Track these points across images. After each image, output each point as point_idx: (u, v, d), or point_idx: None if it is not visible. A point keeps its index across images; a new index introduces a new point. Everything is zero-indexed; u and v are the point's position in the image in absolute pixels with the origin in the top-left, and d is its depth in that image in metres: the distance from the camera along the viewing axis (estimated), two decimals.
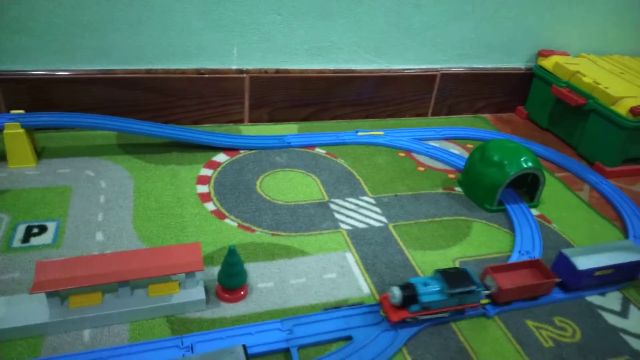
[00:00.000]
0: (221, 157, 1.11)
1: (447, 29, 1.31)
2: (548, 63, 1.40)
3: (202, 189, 1.00)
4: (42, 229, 0.84)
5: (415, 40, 1.31)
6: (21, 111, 0.99)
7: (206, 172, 1.05)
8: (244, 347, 0.61)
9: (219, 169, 1.07)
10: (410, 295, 0.72)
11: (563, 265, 0.84)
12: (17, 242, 0.81)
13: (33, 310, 0.67)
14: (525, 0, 1.34)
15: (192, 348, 0.66)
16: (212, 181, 1.02)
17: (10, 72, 1.05)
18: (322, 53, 1.24)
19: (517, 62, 1.45)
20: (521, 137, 1.35)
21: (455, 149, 1.26)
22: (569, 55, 1.44)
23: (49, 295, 0.66)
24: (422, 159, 1.20)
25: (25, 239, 0.82)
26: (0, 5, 0.98)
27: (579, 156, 1.32)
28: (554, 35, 1.44)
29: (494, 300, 0.79)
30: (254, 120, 1.27)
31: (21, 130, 0.96)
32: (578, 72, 1.31)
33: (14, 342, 0.65)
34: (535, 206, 1.07)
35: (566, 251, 0.84)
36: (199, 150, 1.11)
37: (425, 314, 0.73)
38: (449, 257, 0.90)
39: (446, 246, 0.93)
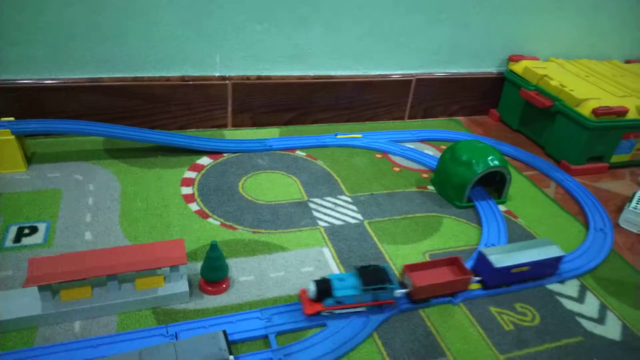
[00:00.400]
0: (205, 160, 1.16)
1: (422, 35, 1.38)
2: (518, 67, 1.47)
3: (187, 190, 1.05)
4: (33, 230, 0.89)
5: (392, 47, 1.37)
6: (11, 118, 1.03)
7: (190, 174, 1.10)
8: (224, 332, 0.66)
9: (202, 171, 1.12)
10: (324, 289, 0.76)
11: (482, 263, 0.87)
12: (9, 242, 0.85)
13: (26, 303, 0.71)
14: (497, 7, 1.41)
15: (176, 336, 0.71)
16: (196, 183, 1.07)
17: (2, 81, 1.09)
18: (302, 60, 1.30)
19: (489, 67, 1.52)
20: (493, 138, 1.42)
21: (429, 150, 1.32)
22: (538, 59, 1.51)
23: (41, 288, 0.71)
24: (397, 159, 1.26)
25: (17, 239, 0.86)
26: None
27: (546, 155, 1.39)
28: (524, 41, 1.51)
29: (411, 297, 0.82)
30: (237, 124, 1.33)
31: (11, 137, 1.00)
32: (546, 75, 1.38)
33: (9, 333, 0.70)
34: (502, 202, 1.14)
35: (484, 250, 0.87)
36: (183, 154, 1.16)
37: (340, 308, 0.77)
38: (420, 250, 0.96)
39: (417, 240, 0.99)
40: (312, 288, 0.76)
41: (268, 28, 1.23)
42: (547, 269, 0.90)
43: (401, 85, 1.43)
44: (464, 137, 1.40)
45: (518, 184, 1.22)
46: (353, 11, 1.27)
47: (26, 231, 0.88)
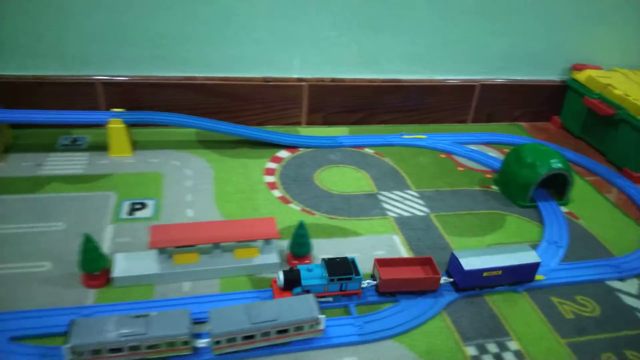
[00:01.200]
0: (283, 154, 1.27)
1: (487, 43, 1.45)
2: (581, 76, 1.51)
3: (270, 178, 1.16)
4: (143, 205, 1.02)
5: (457, 53, 1.44)
6: (121, 109, 1.19)
7: (272, 165, 1.22)
8: (313, 295, 0.76)
9: (282, 162, 1.23)
10: (292, 279, 0.80)
11: (454, 265, 0.88)
12: (124, 215, 0.99)
13: (146, 264, 0.84)
14: (560, 17, 1.45)
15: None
16: (278, 173, 1.19)
17: (111, 77, 1.25)
18: (373, 64, 1.40)
19: (551, 75, 1.56)
20: (554, 144, 1.47)
21: (492, 153, 1.38)
22: (602, 69, 1.54)
23: (160, 251, 0.84)
24: (461, 160, 1.33)
25: (130, 212, 1.00)
26: (108, 20, 1.18)
27: (608, 162, 1.42)
28: (587, 50, 1.54)
29: (377, 289, 0.85)
30: (310, 123, 1.44)
31: (122, 126, 1.15)
32: (610, 84, 1.41)
33: (133, 287, 0.83)
34: (564, 204, 1.19)
35: (457, 252, 0.88)
36: (264, 147, 1.28)
37: None
38: (484, 243, 1.03)
39: (482, 234, 1.06)
40: (280, 277, 0.80)
41: (343, 34, 1.33)
42: (522, 275, 0.90)
43: (466, 90, 1.50)
44: (527, 142, 1.45)
45: (579, 188, 1.26)
46: (422, 20, 1.36)
47: (137, 206, 1.02)
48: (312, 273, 0.82)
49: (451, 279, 0.89)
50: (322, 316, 0.74)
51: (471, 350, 0.79)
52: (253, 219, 0.90)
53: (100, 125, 1.26)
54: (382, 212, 1.09)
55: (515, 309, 0.88)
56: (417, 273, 0.87)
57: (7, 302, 0.78)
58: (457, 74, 1.48)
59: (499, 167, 1.26)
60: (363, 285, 0.84)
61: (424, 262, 0.89)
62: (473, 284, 0.88)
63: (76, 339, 0.66)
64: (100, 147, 1.20)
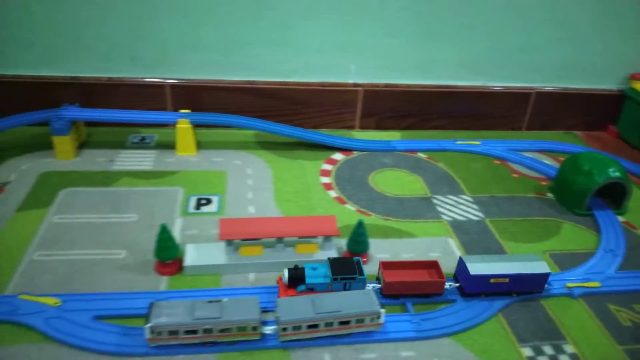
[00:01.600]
0: (338, 156, 1.31)
1: (543, 51, 1.44)
2: None
3: (325, 180, 1.21)
4: (209, 201, 1.08)
5: (513, 61, 1.45)
6: (188, 110, 1.26)
7: (327, 166, 1.26)
8: (375, 291, 0.79)
9: (337, 165, 1.27)
10: (296, 277, 0.82)
11: (461, 270, 0.88)
12: (192, 209, 1.05)
13: (215, 255, 0.90)
14: (617, 26, 1.43)
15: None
16: (333, 174, 1.23)
17: (178, 80, 1.32)
18: (427, 70, 1.42)
19: (609, 84, 1.54)
20: (610, 154, 1.44)
21: (547, 161, 1.38)
22: None
23: (228, 243, 0.89)
24: (516, 167, 1.33)
25: (197, 207, 1.06)
26: (178, 28, 1.26)
27: None
28: None
29: (381, 292, 0.85)
30: (363, 127, 1.47)
31: (189, 126, 1.22)
32: None
33: (202, 276, 0.88)
34: (621, 214, 1.17)
35: (465, 257, 0.88)
36: (320, 149, 1.32)
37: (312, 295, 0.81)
38: (540, 250, 1.04)
39: (538, 241, 1.06)
40: (285, 275, 0.82)
41: (400, 41, 1.36)
42: (531, 285, 0.88)
43: (521, 97, 1.50)
44: (582, 150, 1.43)
45: (637, 198, 1.24)
46: (478, 27, 1.37)
47: (203, 201, 1.08)
48: (316, 272, 0.83)
49: (458, 284, 0.89)
50: (382, 310, 0.77)
51: (527, 351, 0.80)
52: (314, 217, 0.95)
53: (167, 125, 1.34)
54: (437, 215, 1.11)
55: (570, 314, 0.88)
56: (421, 276, 0.88)
57: (90, 285, 0.85)
58: (512, 82, 1.48)
59: (554, 175, 1.25)
60: (368, 287, 0.85)
61: (430, 265, 0.90)
62: (479, 290, 0.87)
63: (156, 320, 0.71)
64: (167, 145, 1.28)
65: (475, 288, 0.87)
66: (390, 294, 0.86)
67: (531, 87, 1.50)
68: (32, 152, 1.20)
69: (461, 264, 0.88)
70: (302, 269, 0.83)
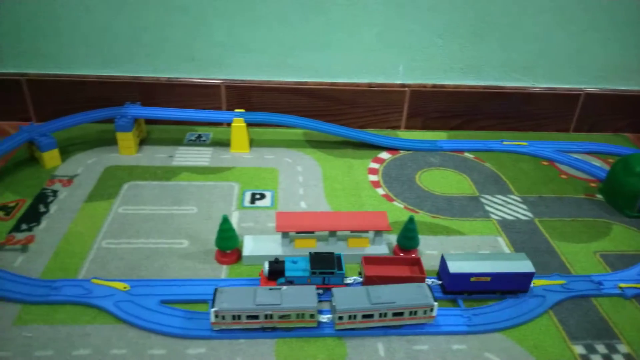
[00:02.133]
0: (385, 155, 1.34)
1: (593, 52, 1.43)
2: None
3: (373, 178, 1.23)
4: (262, 196, 1.13)
5: (562, 62, 1.44)
6: (242, 110, 1.31)
7: (374, 165, 1.29)
8: (429, 286, 0.82)
9: (384, 163, 1.30)
10: (277, 269, 0.84)
11: (443, 267, 0.88)
12: (247, 203, 1.10)
13: (270, 246, 0.94)
14: None
15: None
16: (380, 172, 1.25)
17: (232, 80, 1.38)
18: (475, 71, 1.43)
19: None
20: None
21: (596, 162, 1.36)
22: None
23: (283, 235, 0.93)
24: (564, 168, 1.33)
25: (252, 201, 1.11)
26: (233, 30, 1.31)
27: None
28: None
29: (363, 285, 0.85)
30: (409, 127, 1.49)
31: (243, 124, 1.27)
32: None
33: (259, 266, 0.92)
34: None
35: (447, 255, 0.88)
36: (366, 148, 1.35)
37: None
38: (590, 250, 1.03)
39: (588, 241, 1.06)
40: (265, 267, 0.84)
41: (447, 42, 1.38)
42: (515, 284, 0.87)
43: (569, 98, 1.48)
44: (632, 152, 1.41)
45: None
46: (527, 28, 1.37)
47: (257, 196, 1.12)
48: (296, 265, 0.85)
49: (440, 282, 0.89)
50: (435, 304, 0.79)
51: (579, 349, 0.81)
52: (366, 212, 0.98)
53: (221, 123, 1.40)
54: (485, 215, 1.12)
55: (623, 314, 0.88)
56: (402, 272, 0.88)
57: (155, 271, 0.91)
58: (560, 83, 1.47)
59: (604, 176, 1.24)
60: (349, 282, 0.87)
61: (413, 262, 0.89)
62: (461, 288, 0.87)
63: (220, 304, 0.76)
64: (221, 143, 1.33)
65: (456, 286, 0.87)
66: None
67: (580, 88, 1.48)
68: (97, 148, 1.27)
69: (443, 261, 0.88)
70: (282, 262, 0.85)
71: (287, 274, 0.84)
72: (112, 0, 1.25)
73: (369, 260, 0.88)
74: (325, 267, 0.84)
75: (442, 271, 0.89)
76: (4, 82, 1.33)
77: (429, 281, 0.87)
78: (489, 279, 0.86)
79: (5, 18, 1.26)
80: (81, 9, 1.26)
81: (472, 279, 0.86)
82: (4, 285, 0.84)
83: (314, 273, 0.84)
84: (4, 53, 1.30)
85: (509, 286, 0.87)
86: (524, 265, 0.87)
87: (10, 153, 1.19)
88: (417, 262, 0.89)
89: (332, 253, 0.87)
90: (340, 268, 0.85)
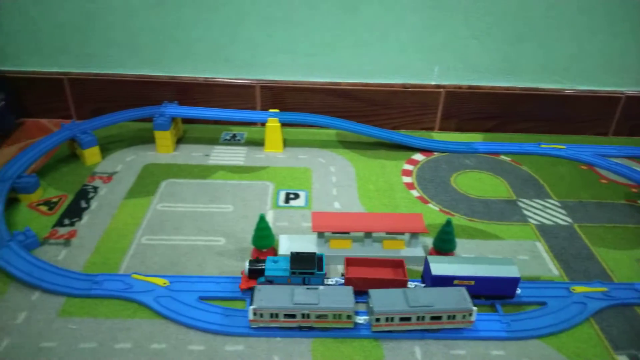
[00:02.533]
0: (419, 157, 1.33)
1: (632, 55, 1.39)
2: None
3: (407, 179, 1.22)
4: (296, 196, 1.13)
5: (601, 64, 1.40)
6: (276, 110, 1.32)
7: (408, 166, 1.28)
8: (466, 288, 0.81)
9: (418, 165, 1.29)
10: (256, 268, 0.84)
11: (426, 269, 0.86)
12: (281, 202, 1.11)
13: (306, 245, 0.94)
14: None
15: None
16: (414, 174, 1.25)
17: (267, 81, 1.39)
18: (512, 72, 1.40)
19: None
20: None
21: (637, 167, 1.32)
22: None
23: (319, 235, 0.93)
24: (604, 172, 1.29)
25: (286, 200, 1.11)
26: (270, 32, 1.32)
27: None
28: None
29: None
30: (443, 128, 1.48)
31: (278, 124, 1.28)
32: None
33: None
34: None
35: (431, 257, 0.87)
36: (400, 150, 1.35)
37: None
38: (633, 257, 1.00)
39: (629, 248, 1.03)
40: (246, 266, 0.84)
41: (484, 43, 1.36)
42: (500, 289, 0.85)
43: (609, 101, 1.45)
44: None
45: None
46: (566, 30, 1.34)
47: (292, 196, 1.13)
48: (277, 265, 0.84)
49: (423, 284, 0.87)
50: (474, 308, 0.78)
51: (623, 359, 0.79)
52: (402, 214, 0.97)
53: (255, 123, 1.41)
54: (523, 219, 1.10)
55: None
56: (384, 274, 0.86)
57: (194, 268, 0.92)
58: (600, 85, 1.43)
59: None
60: (330, 283, 0.86)
61: (396, 264, 0.88)
62: None
63: (259, 302, 0.77)
64: (255, 142, 1.35)
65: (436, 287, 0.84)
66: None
67: (620, 91, 1.44)
68: (135, 146, 1.30)
69: (426, 263, 0.87)
70: (263, 262, 0.85)
71: (267, 273, 0.84)
72: (151, 2, 1.27)
73: (352, 261, 0.87)
74: (305, 267, 0.83)
75: (425, 273, 0.87)
76: (47, 81, 1.37)
77: (412, 284, 0.86)
78: (472, 282, 0.84)
79: (49, 19, 1.30)
80: (122, 10, 1.29)
81: (456, 282, 0.84)
82: (50, 278, 0.87)
83: (293, 273, 0.83)
84: (48, 53, 1.34)
85: (494, 291, 0.85)
86: (509, 270, 0.85)
87: (53, 150, 1.23)
88: (400, 265, 0.88)
89: (314, 253, 0.86)
90: (320, 269, 0.84)
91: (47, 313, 0.82)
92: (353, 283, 0.83)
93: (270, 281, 0.84)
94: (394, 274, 0.87)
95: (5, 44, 1.33)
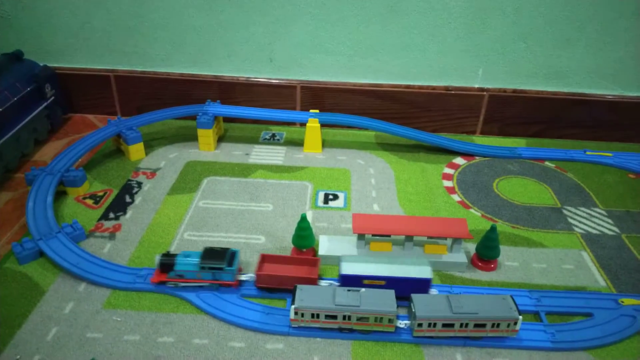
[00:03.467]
0: (460, 161, 1.31)
1: None
2: None
3: (448, 183, 1.21)
4: (335, 197, 1.13)
5: None
6: (317, 110, 1.32)
7: (449, 170, 1.26)
8: (512, 297, 0.79)
9: (459, 169, 1.27)
10: (167, 262, 0.84)
11: (339, 269, 0.85)
12: (320, 203, 1.11)
13: (346, 247, 0.94)
14: None
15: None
16: (455, 178, 1.23)
17: (307, 81, 1.39)
18: (559, 77, 1.37)
19: None
20: None
21: None
22: None
23: (359, 237, 0.92)
24: None
25: (325, 201, 1.11)
26: (310, 32, 1.32)
27: None
28: None
29: (255, 283, 0.86)
30: (485, 132, 1.45)
31: (318, 125, 1.28)
32: None
33: (334, 267, 0.93)
34: None
35: (344, 256, 0.86)
36: (440, 153, 1.33)
37: (182, 282, 0.85)
38: None
39: None
40: (156, 259, 0.85)
41: (531, 46, 1.33)
42: (412, 290, 0.82)
43: None
44: None
45: None
46: (617, 33, 1.29)
47: (331, 197, 1.13)
48: (187, 259, 0.85)
49: (338, 284, 0.85)
50: (520, 317, 0.76)
51: None
52: (445, 218, 0.95)
53: (295, 123, 1.42)
54: (568, 227, 1.07)
55: None
56: (296, 272, 0.86)
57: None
58: None
59: None
60: (243, 278, 0.86)
61: (311, 263, 0.88)
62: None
63: (301, 302, 0.77)
64: (294, 142, 1.35)
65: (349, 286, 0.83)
66: (263, 287, 0.86)
67: None
68: (177, 143, 1.32)
69: (339, 263, 0.86)
70: (174, 256, 0.85)
71: (177, 267, 0.84)
72: (197, 2, 1.29)
73: (267, 257, 0.88)
74: (215, 263, 0.83)
75: (339, 272, 0.86)
76: (95, 78, 1.41)
77: (325, 283, 0.87)
78: (383, 282, 0.84)
79: (98, 18, 1.33)
80: (168, 10, 1.31)
81: (365, 282, 0.84)
82: (96, 270, 0.89)
83: (202, 268, 0.84)
84: (97, 50, 1.38)
85: (406, 291, 0.82)
86: (422, 272, 0.85)
87: (99, 145, 1.26)
88: (315, 264, 0.87)
89: (228, 249, 0.86)
90: (231, 264, 0.84)
91: (93, 304, 0.84)
92: (264, 280, 0.85)
93: (180, 275, 0.85)
94: (306, 272, 0.87)
95: (56, 41, 1.38)
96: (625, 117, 1.41)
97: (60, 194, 1.10)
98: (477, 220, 1.08)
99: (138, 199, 1.11)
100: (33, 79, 1.26)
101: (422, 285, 0.84)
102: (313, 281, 0.84)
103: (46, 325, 0.80)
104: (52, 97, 1.33)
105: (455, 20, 1.29)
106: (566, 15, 1.27)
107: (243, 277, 0.88)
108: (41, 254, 0.93)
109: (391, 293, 0.78)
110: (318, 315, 0.77)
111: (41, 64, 1.33)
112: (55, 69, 1.38)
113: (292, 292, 0.79)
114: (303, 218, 0.90)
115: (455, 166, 1.28)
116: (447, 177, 1.23)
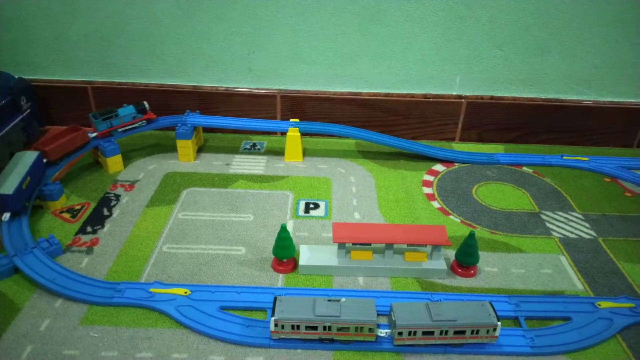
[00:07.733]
0: (439, 167, 1.32)
1: None
2: None
3: (428, 190, 1.21)
4: (316, 206, 1.13)
5: (626, 76, 1.38)
6: (297, 119, 1.32)
7: (428, 177, 1.27)
8: (490, 303, 0.79)
9: (438, 176, 1.28)
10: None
11: None
12: (301, 212, 1.11)
13: (327, 256, 0.94)
14: None
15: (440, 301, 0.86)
16: (435, 185, 1.24)
17: (287, 91, 1.39)
18: (535, 83, 1.39)
19: None
20: None
21: None
22: None
23: (340, 246, 0.92)
24: (629, 185, 1.27)
25: (306, 210, 1.11)
26: (290, 43, 1.33)
27: None
28: None
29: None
30: (464, 139, 1.46)
31: (298, 134, 1.28)
32: None
33: (315, 276, 0.92)
34: None
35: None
36: (420, 160, 1.34)
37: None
38: None
39: None
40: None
41: (507, 53, 1.35)
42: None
43: (634, 113, 1.42)
44: None
45: None
46: (591, 40, 1.32)
47: (311, 206, 1.13)
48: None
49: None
50: (498, 323, 0.76)
51: None
52: (424, 225, 0.96)
53: (275, 132, 1.42)
54: (546, 232, 1.08)
55: None
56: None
57: (214, 277, 0.92)
58: (625, 97, 1.41)
59: None
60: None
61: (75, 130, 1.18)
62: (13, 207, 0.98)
63: (281, 314, 0.76)
64: (274, 152, 1.35)
65: (15, 204, 0.99)
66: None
67: None
68: (156, 154, 1.31)
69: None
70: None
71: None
72: (175, 13, 1.29)
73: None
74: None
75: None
76: (72, 90, 1.40)
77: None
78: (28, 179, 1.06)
79: (74, 29, 1.32)
80: (146, 21, 1.30)
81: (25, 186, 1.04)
82: (73, 285, 0.88)
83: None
84: (74, 62, 1.37)
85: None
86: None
87: (76, 157, 1.24)
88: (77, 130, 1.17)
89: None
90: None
91: (70, 321, 0.82)
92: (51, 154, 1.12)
93: None
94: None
95: (31, 53, 1.36)
96: (601, 122, 1.43)
97: (36, 208, 1.09)
98: (456, 226, 1.09)
99: (116, 212, 1.09)
100: (8, 92, 1.25)
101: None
102: (84, 135, 1.18)
103: (21, 343, 0.78)
104: (28, 110, 1.31)
105: (432, 29, 1.31)
106: (541, 22, 1.30)
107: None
108: (16, 270, 0.91)
109: (371, 302, 0.78)
110: (298, 327, 0.77)
111: (16, 77, 1.31)
112: (31, 81, 1.36)
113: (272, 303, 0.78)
114: (283, 228, 0.90)
115: (435, 173, 1.29)
116: (427, 184, 1.24)
